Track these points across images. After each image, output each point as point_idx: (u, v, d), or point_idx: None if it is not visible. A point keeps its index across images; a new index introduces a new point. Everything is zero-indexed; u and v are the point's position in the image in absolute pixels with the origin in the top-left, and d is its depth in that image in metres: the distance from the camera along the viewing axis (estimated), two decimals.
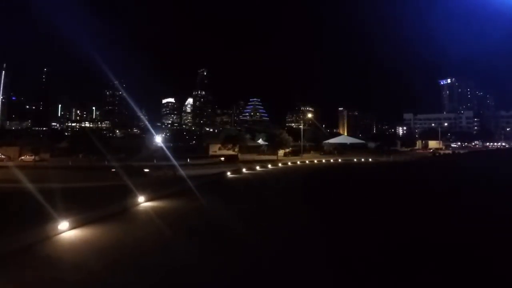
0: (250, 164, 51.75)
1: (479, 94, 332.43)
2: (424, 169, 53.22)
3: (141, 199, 21.28)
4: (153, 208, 20.14)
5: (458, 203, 22.67)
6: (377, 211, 19.80)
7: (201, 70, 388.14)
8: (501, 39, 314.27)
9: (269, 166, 50.31)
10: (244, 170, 43.75)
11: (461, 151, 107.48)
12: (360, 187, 31.34)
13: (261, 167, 48.43)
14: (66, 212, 15.44)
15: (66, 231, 14.19)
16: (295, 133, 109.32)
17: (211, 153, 72.49)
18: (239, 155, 66.90)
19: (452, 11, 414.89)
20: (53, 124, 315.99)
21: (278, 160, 62.94)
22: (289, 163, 55.26)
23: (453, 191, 28.51)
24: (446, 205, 21.97)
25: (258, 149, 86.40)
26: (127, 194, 21.61)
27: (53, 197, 19.75)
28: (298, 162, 57.69)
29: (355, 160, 67.80)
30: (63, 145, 78.66)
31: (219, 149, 67.11)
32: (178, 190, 26.20)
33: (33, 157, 66.38)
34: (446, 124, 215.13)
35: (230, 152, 65.55)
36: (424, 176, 43.51)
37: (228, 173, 39.16)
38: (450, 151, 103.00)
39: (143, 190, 22.48)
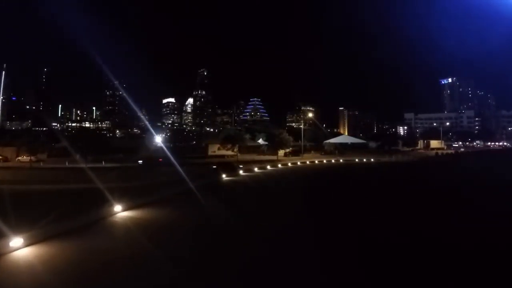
0: (248, 165, 49.41)
1: (480, 93, 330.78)
2: (432, 171, 50.66)
3: (117, 208, 18.59)
4: (131, 219, 17.51)
5: (480, 209, 20.65)
6: (390, 224, 17.08)
7: (201, 70, 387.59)
8: (502, 38, 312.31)
9: (268, 167, 47.95)
10: (241, 172, 41.23)
11: (464, 151, 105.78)
12: (367, 192, 28.21)
13: (259, 168, 46.08)
14: (24, 224, 13.15)
15: (20, 248, 11.93)
16: (295, 133, 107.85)
17: (210, 153, 71.04)
18: (238, 155, 65.36)
19: (453, 10, 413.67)
20: (53, 124, 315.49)
21: (278, 161, 61.37)
22: (289, 164, 53.04)
23: (471, 196, 26.26)
24: (466, 212, 19.84)
25: (258, 149, 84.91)
26: (104, 202, 19.09)
27: (19, 203, 17.68)
28: (298, 163, 55.39)
29: (356, 160, 66.08)
30: (60, 145, 77.47)
31: (218, 149, 65.57)
32: (163, 197, 23.61)
33: (29, 157, 65.06)
34: (447, 123, 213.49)
35: (229, 152, 64.13)
36: (434, 178, 40.62)
37: (224, 176, 36.88)
38: (452, 151, 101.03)
39: (121, 197, 19.95)
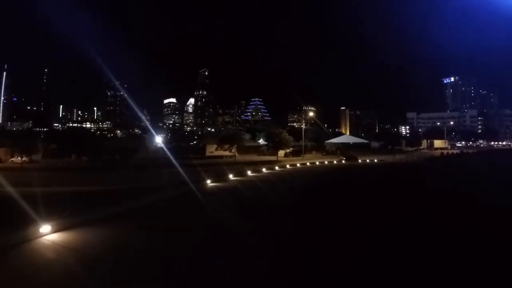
0: (244, 166, 45.06)
1: (482, 92, 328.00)
2: (451, 173, 46.18)
3: (45, 228, 14.15)
4: (60, 244, 13.02)
5: None
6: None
7: (203, 70, 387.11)
8: (504, 36, 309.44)
9: (264, 170, 43.02)
10: (231, 176, 35.87)
11: (470, 151, 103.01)
12: (388, 214, 20.34)
13: (253, 171, 40.84)
14: None
15: None
16: (297, 132, 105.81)
17: (207, 153, 69.11)
18: (236, 155, 63.38)
19: (455, 9, 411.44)
20: (55, 125, 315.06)
21: (277, 162, 59.34)
22: (288, 166, 48.97)
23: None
24: None
25: (258, 149, 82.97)
26: (41, 215, 15.20)
27: None
28: (298, 164, 51.70)
29: (359, 161, 63.73)
30: (53, 146, 76.00)
31: (216, 149, 63.57)
32: (117, 212, 19.15)
33: (21, 158, 63.32)
34: (452, 123, 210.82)
35: (227, 153, 62.10)
36: (462, 182, 35.35)
37: (208, 181, 31.57)
38: (458, 151, 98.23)
39: (63, 210, 16.21)
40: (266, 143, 79.93)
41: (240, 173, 38.20)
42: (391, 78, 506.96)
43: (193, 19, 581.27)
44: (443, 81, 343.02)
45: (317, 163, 56.06)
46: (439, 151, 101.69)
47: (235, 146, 61.59)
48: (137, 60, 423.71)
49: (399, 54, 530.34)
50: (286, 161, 62.16)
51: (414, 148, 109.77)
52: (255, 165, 47.57)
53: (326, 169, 49.06)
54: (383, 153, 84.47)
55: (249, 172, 39.44)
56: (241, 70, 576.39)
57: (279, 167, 47.42)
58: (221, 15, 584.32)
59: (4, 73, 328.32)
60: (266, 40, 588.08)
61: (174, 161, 50.04)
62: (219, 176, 34.70)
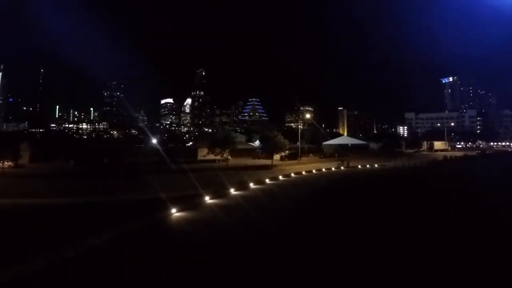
0: (234, 175, 40.61)
1: (481, 92, 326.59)
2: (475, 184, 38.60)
3: None
4: None
5: None
6: None
7: (200, 70, 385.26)
8: (502, 36, 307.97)
9: (251, 185, 35.10)
10: (207, 199, 26.75)
11: (473, 153, 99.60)
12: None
13: (238, 188, 32.47)
14: None
15: None
16: (294, 133, 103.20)
17: (200, 157, 65.92)
18: (229, 159, 60.24)
19: (453, 9, 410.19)
20: (52, 125, 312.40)
21: (271, 167, 56.33)
22: (281, 177, 42.33)
23: None
24: None
25: (252, 152, 79.88)
26: None
27: None
28: (292, 174, 46.94)
29: (359, 166, 59.81)
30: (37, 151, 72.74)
31: (207, 153, 60.37)
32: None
33: (8, 163, 60.26)
34: (452, 124, 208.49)
35: (220, 157, 59.00)
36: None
37: (174, 211, 22.52)
38: (461, 154, 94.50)
39: None
40: (261, 145, 76.69)
41: (220, 192, 30.04)
42: (389, 78, 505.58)
43: (191, 19, 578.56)
44: (442, 81, 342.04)
45: (314, 171, 51.66)
46: (440, 153, 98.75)
47: (227, 150, 58.42)
48: (135, 60, 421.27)
49: (397, 54, 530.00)
50: (281, 166, 59.15)
51: (414, 150, 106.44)
52: (246, 174, 43.56)
53: (327, 181, 42.42)
54: (383, 155, 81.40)
55: (232, 190, 31.63)
56: (239, 71, 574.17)
57: (270, 179, 40.29)
58: (220, 15, 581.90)
59: (0, 73, 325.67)
60: (264, 41, 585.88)
61: (161, 167, 47.15)
62: (193, 199, 26.26)
